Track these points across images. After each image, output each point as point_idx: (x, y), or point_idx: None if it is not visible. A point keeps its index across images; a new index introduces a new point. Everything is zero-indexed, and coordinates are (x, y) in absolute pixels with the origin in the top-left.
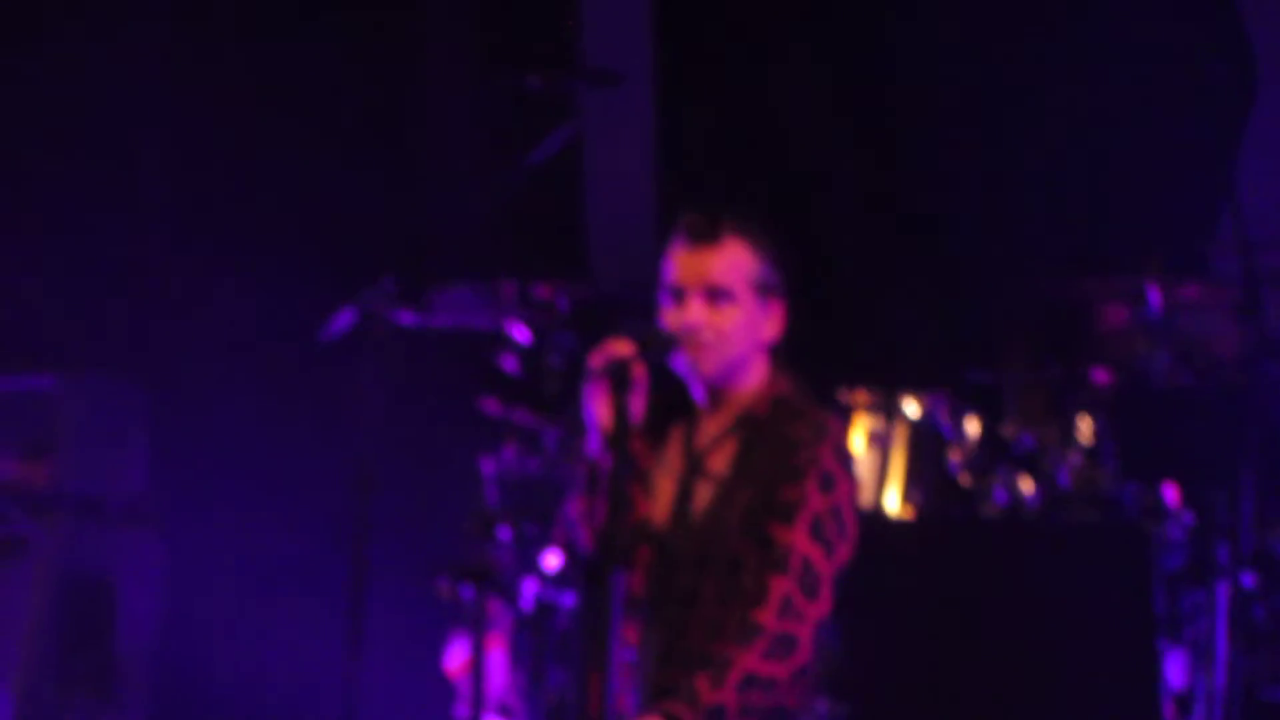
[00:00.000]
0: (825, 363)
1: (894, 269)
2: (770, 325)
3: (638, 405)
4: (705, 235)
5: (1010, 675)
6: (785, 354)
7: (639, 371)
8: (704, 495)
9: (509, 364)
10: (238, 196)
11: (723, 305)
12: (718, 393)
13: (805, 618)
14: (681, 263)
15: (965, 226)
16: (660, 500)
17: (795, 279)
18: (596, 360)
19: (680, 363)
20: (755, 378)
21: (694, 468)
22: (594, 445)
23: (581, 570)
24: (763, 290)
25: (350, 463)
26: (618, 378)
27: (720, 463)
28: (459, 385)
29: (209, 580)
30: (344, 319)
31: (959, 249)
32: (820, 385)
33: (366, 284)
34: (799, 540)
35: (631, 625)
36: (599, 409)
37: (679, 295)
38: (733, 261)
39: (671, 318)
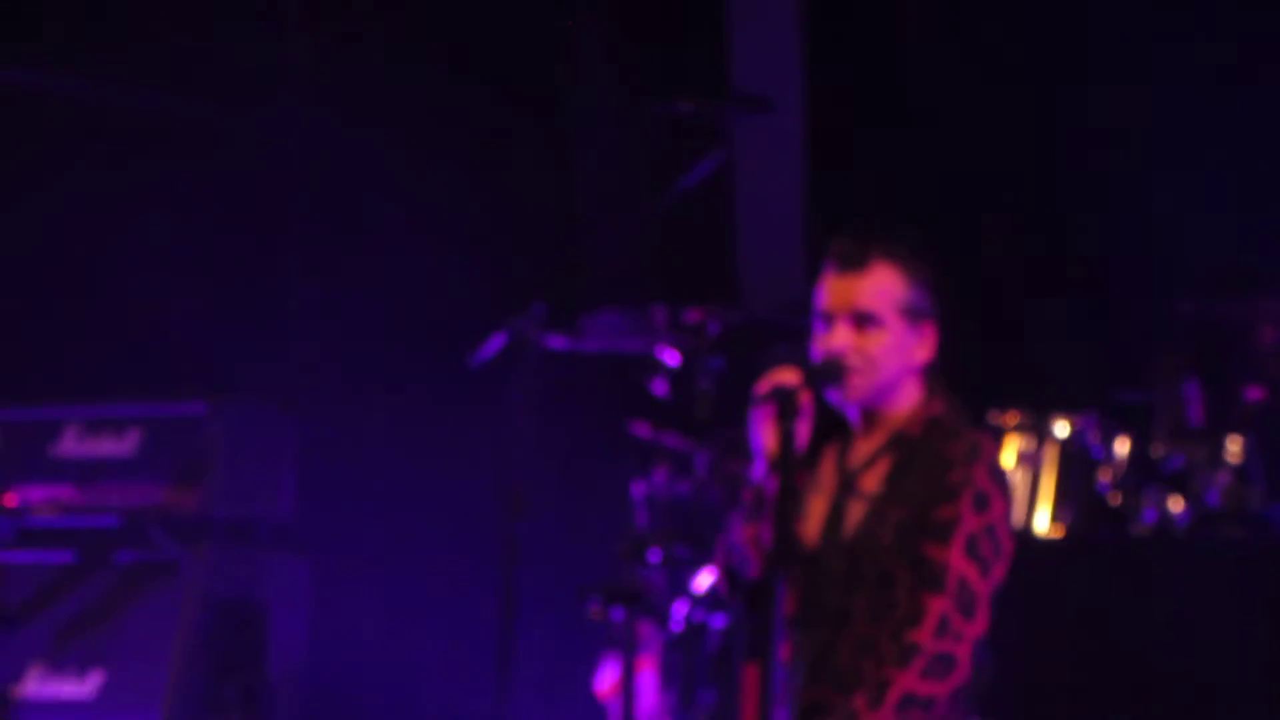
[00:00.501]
0: (977, 385)
1: (1044, 290)
2: (921, 349)
3: (803, 432)
4: (853, 261)
5: (1158, 695)
6: (938, 376)
7: (805, 399)
8: (856, 514)
9: (659, 388)
10: (390, 222)
11: (870, 330)
12: (871, 413)
13: (963, 637)
14: (831, 288)
15: (1116, 246)
16: (813, 519)
17: (948, 303)
18: (763, 388)
19: (832, 390)
20: (909, 399)
21: (847, 487)
22: (759, 470)
23: (746, 594)
24: (912, 315)
25: (500, 487)
26: (784, 405)
27: (873, 482)
28: (609, 409)
29: (357, 605)
30: (495, 343)
31: (1108, 269)
32: (972, 407)
33: (518, 309)
34: (955, 559)
35: (782, 643)
36: (764, 435)
37: (828, 320)
38: (880, 287)
39: (821, 343)
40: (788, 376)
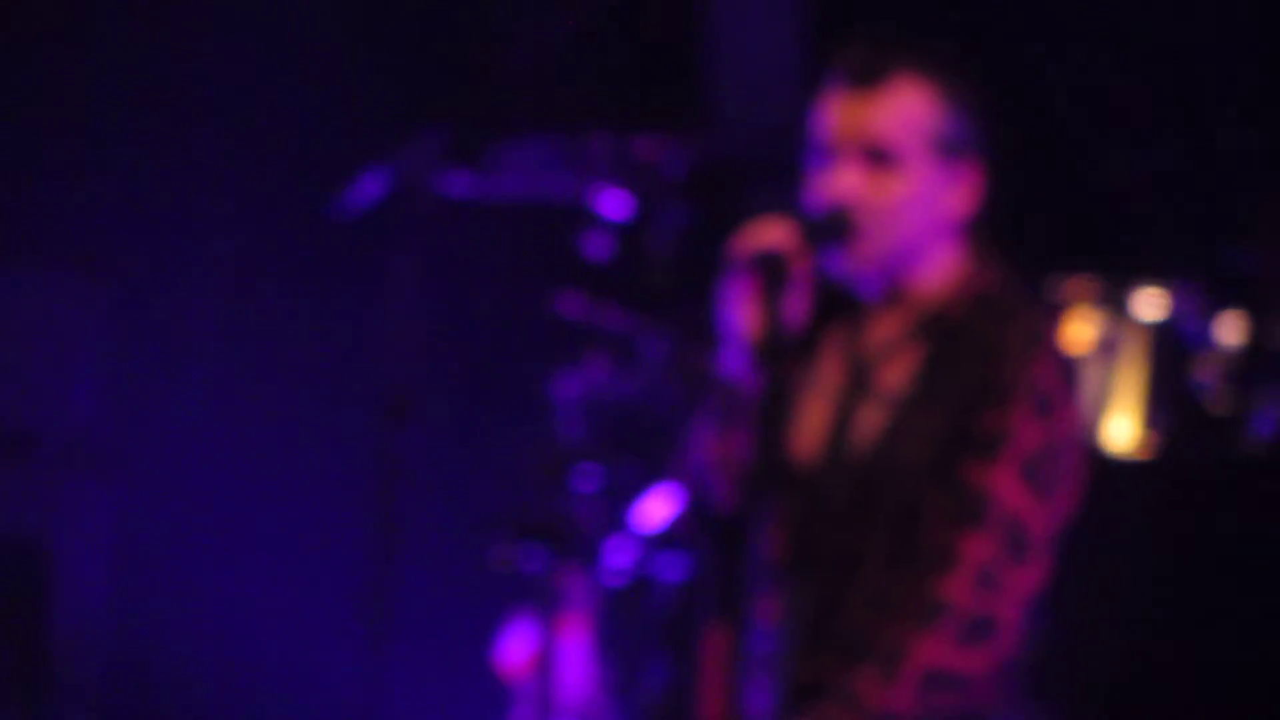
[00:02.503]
0: (1034, 242)
1: (1127, 111)
2: (959, 198)
3: (796, 310)
4: (869, 75)
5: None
6: (988, 236)
7: (799, 264)
8: (871, 421)
9: (597, 247)
10: (233, 26)
11: (888, 170)
12: (892, 286)
13: (1010, 592)
14: (837, 112)
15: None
16: (809, 430)
17: (1001, 135)
18: (741, 248)
19: (837, 252)
20: (944, 267)
21: (859, 384)
22: (734, 362)
23: (713, 531)
24: (946, 150)
25: (378, 384)
26: (770, 272)
27: (896, 378)
28: (528, 276)
29: (180, 544)
30: (372, 186)
31: (1216, 82)
32: (1028, 273)
33: (404, 139)
34: (1004, 485)
35: (768, 601)
36: (743, 314)
37: (832, 156)
38: (904, 111)
39: (821, 186)
40: (775, 233)
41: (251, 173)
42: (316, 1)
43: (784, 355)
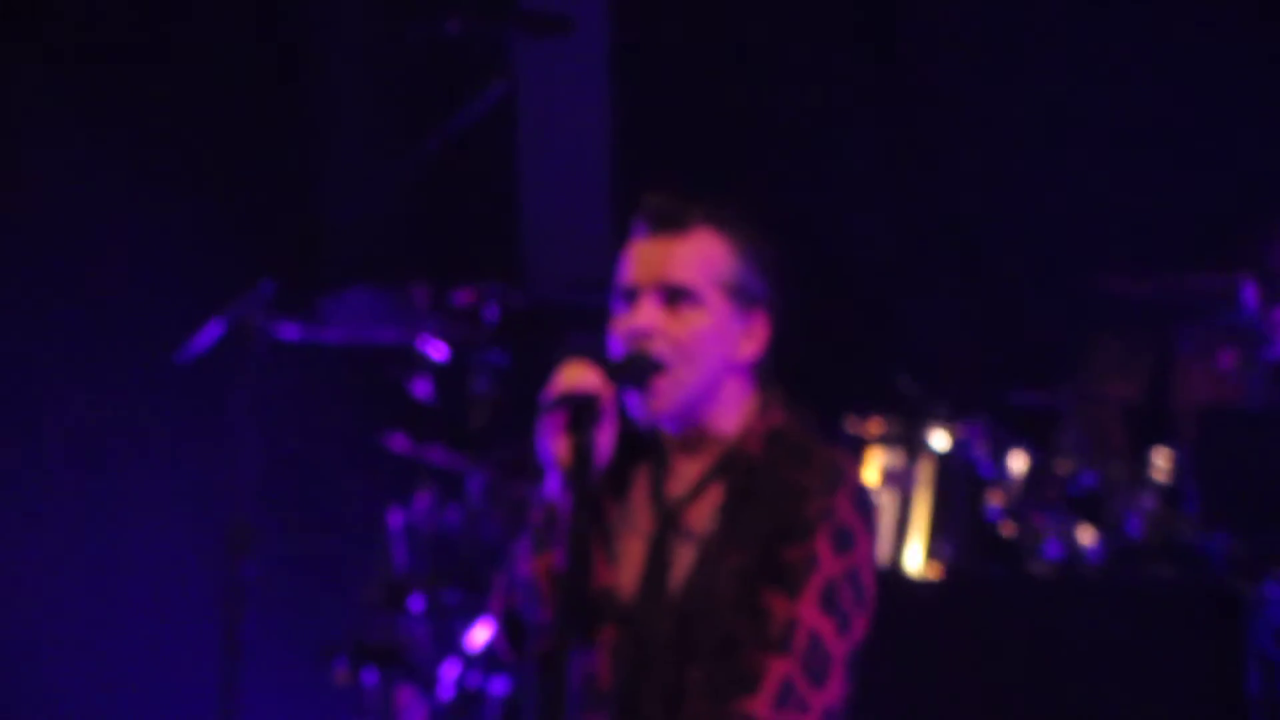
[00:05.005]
0: (829, 385)
1: (916, 267)
2: (749, 341)
3: (605, 443)
4: (669, 222)
5: None
6: (775, 381)
7: (606, 402)
8: (684, 559)
9: (422, 389)
10: (83, 187)
11: (684, 308)
12: (691, 427)
13: (810, 709)
14: (638, 255)
15: (1007, 219)
16: (628, 566)
17: (788, 285)
18: (553, 390)
19: (635, 395)
20: (739, 408)
21: (668, 524)
22: (552, 486)
23: (535, 649)
24: (739, 296)
25: (221, 516)
26: (579, 412)
27: (701, 517)
28: (358, 417)
29: (31, 672)
30: (211, 333)
31: (999, 244)
32: (823, 413)
33: (240, 289)
34: (806, 613)
35: None
36: (556, 448)
37: (632, 297)
38: (702, 255)
39: (622, 324)
40: (584, 375)
41: (109, 325)
42: (161, 171)
43: (593, 485)
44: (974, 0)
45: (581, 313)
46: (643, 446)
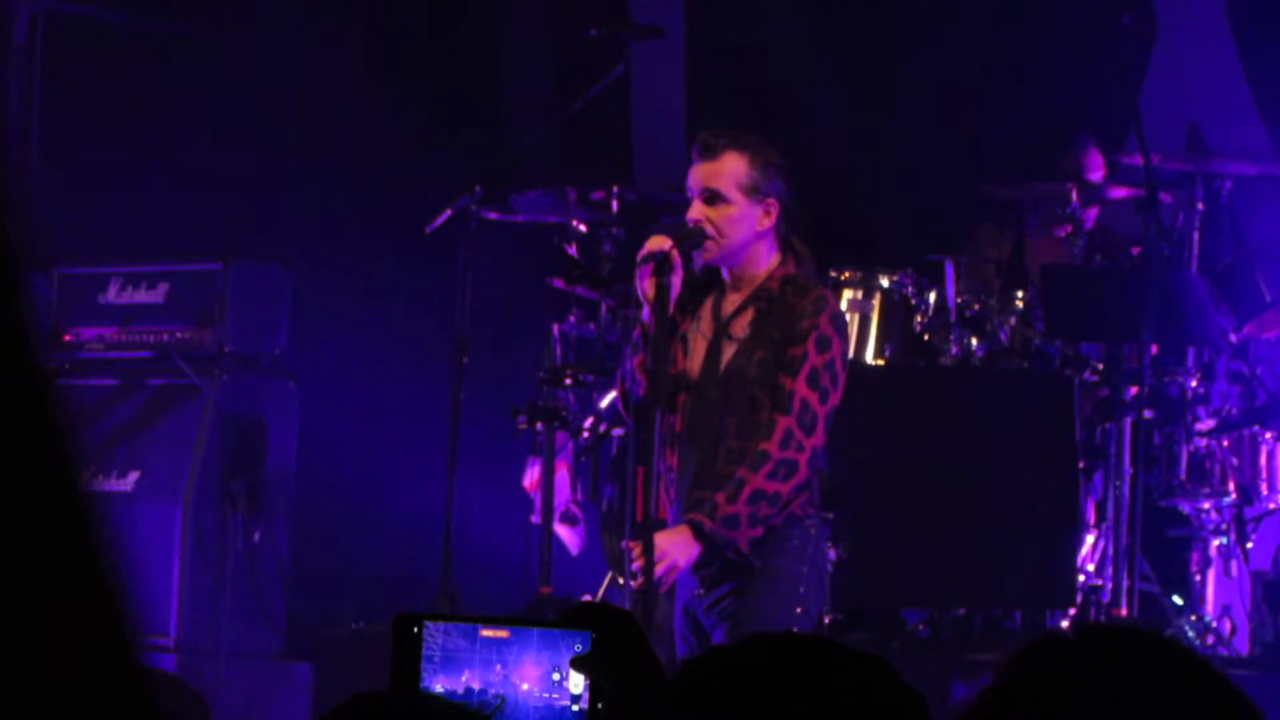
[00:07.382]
0: (819, 247)
1: (871, 176)
2: (765, 218)
3: (676, 285)
4: (708, 150)
5: (960, 489)
6: (797, 240)
7: (676, 259)
8: (728, 352)
9: (573, 250)
10: (365, 123)
11: (718, 205)
12: (736, 272)
13: (804, 447)
14: (692, 172)
15: (928, 144)
16: (695, 356)
17: (796, 183)
18: (643, 251)
19: (695, 252)
20: (766, 259)
21: (721, 331)
22: (645, 314)
23: (635, 411)
24: (753, 192)
25: (449, 328)
26: (659, 264)
27: (741, 327)
28: (534, 267)
29: (336, 421)
30: (445, 216)
31: (923, 159)
32: (818, 263)
33: (463, 189)
34: (800, 387)
35: (673, 454)
36: (646, 287)
37: (690, 197)
38: (726, 169)
39: (687, 215)
40: (662, 242)
41: (382, 208)
42: (421, 109)
43: (668, 310)
44: None
45: (668, 204)
46: (710, 283)
